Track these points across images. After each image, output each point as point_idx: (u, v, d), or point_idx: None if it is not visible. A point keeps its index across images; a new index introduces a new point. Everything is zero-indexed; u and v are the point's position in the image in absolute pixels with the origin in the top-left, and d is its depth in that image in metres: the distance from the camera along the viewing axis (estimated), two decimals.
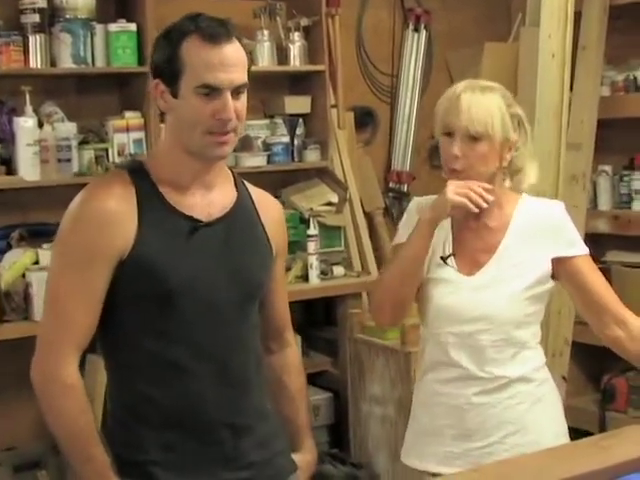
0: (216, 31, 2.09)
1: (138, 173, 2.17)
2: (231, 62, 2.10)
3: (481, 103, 2.47)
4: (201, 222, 2.17)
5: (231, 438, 2.19)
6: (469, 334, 2.53)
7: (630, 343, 2.54)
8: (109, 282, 2.10)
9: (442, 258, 2.57)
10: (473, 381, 2.53)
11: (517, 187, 2.62)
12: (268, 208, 2.35)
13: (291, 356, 2.49)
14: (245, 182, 2.34)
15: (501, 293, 2.53)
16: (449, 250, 2.58)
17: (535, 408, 2.57)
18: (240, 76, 2.11)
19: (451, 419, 2.56)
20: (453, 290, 2.55)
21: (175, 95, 2.10)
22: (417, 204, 2.67)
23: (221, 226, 2.20)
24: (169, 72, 2.10)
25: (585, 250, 2.59)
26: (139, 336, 2.14)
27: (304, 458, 2.45)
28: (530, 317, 2.59)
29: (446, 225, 2.59)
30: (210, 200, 2.20)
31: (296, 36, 4.81)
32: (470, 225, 2.58)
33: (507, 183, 2.59)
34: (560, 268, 2.57)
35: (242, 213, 2.26)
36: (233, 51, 2.11)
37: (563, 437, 2.62)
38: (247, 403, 2.23)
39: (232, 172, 2.32)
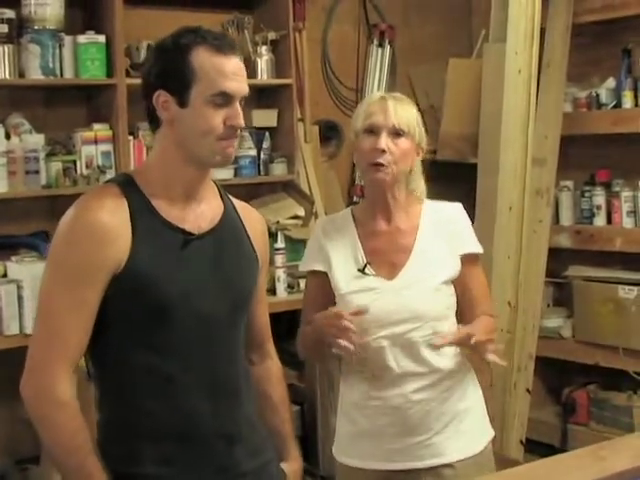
0: (224, 42, 2.12)
1: (128, 186, 2.16)
2: (240, 72, 2.15)
3: (405, 107, 2.71)
4: (193, 235, 2.17)
5: (226, 448, 2.19)
6: (401, 334, 2.63)
7: None
8: (102, 297, 2.09)
9: (359, 270, 2.69)
10: (410, 378, 2.64)
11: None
12: (252, 220, 2.36)
13: (272, 367, 2.50)
14: (228, 194, 2.35)
15: (422, 290, 2.65)
16: (363, 260, 2.70)
17: (465, 395, 2.72)
18: (246, 86, 2.16)
19: (391, 418, 2.66)
20: (378, 296, 2.65)
21: (183, 104, 2.11)
22: (322, 227, 2.83)
23: (211, 239, 2.21)
24: (177, 82, 2.10)
25: (481, 249, 2.79)
26: (133, 350, 2.12)
27: (291, 467, 2.46)
28: (449, 310, 2.72)
29: (351, 239, 2.74)
30: (200, 212, 2.21)
31: (263, 50, 4.82)
32: (381, 230, 2.73)
33: (422, 185, 2.79)
34: (462, 266, 2.73)
35: (230, 225, 2.27)
36: (239, 62, 2.16)
37: (488, 422, 2.82)
38: (239, 413, 2.23)
39: (217, 185, 2.32)
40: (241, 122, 2.14)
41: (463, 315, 2.74)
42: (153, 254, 2.10)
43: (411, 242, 2.70)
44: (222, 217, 2.25)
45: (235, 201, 2.35)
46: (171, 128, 2.14)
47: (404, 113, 2.68)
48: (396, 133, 2.65)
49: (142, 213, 2.12)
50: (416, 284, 2.66)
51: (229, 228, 2.26)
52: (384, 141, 2.64)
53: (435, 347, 2.60)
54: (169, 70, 2.11)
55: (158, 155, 2.21)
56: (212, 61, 2.10)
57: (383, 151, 2.64)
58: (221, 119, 2.11)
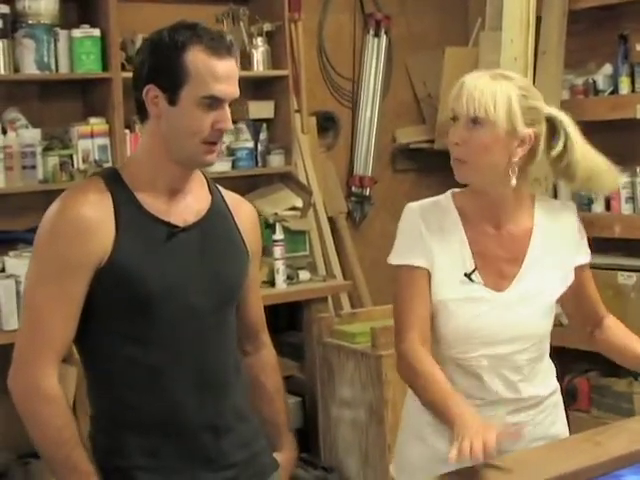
0: (220, 44, 2.09)
1: (113, 180, 2.15)
2: (233, 75, 2.12)
3: (486, 87, 2.25)
4: (178, 227, 2.16)
5: (213, 440, 2.19)
6: (505, 356, 2.32)
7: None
8: (87, 290, 2.08)
9: (466, 275, 2.32)
10: (504, 402, 2.35)
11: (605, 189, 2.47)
12: (242, 211, 2.34)
13: (267, 357, 2.49)
14: (218, 186, 2.33)
15: (537, 308, 2.35)
16: (470, 264, 2.33)
17: (557, 417, 2.47)
18: (237, 89, 2.14)
19: None
20: (486, 310, 2.31)
21: (173, 102, 2.09)
22: (422, 216, 2.37)
23: (197, 231, 2.19)
24: (169, 79, 2.08)
25: (590, 256, 2.48)
26: (118, 342, 2.12)
27: (285, 456, 2.45)
28: (551, 325, 2.43)
29: (458, 236, 2.35)
30: (185, 205, 2.19)
31: (259, 41, 4.83)
32: (489, 233, 2.36)
33: (513, 181, 2.29)
34: (576, 274, 2.43)
35: (217, 217, 2.26)
36: (233, 65, 2.13)
37: None
38: (227, 405, 2.22)
39: (205, 177, 2.31)
40: (229, 126, 2.12)
41: (584, 320, 2.53)
42: (137, 248, 2.10)
43: (523, 250, 2.35)
44: (209, 209, 2.23)
45: (225, 192, 2.33)
46: (158, 123, 2.13)
47: (484, 97, 2.22)
48: (474, 121, 2.24)
49: (126, 207, 2.11)
50: (529, 300, 2.33)
51: (216, 220, 2.25)
52: (458, 132, 2.26)
53: None
54: (162, 66, 2.09)
55: (144, 149, 2.19)
56: (206, 63, 2.07)
57: (456, 144, 2.27)
58: (209, 122, 2.09)
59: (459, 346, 2.33)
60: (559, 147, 2.35)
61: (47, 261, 2.08)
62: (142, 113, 2.16)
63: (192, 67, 2.07)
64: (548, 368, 2.45)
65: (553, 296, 2.38)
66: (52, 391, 2.06)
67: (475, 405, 2.25)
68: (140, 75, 2.14)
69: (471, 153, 2.26)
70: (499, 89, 2.24)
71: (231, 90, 2.11)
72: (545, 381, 2.42)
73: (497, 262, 2.34)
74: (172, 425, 2.14)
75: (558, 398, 2.49)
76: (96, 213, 2.07)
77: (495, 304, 2.32)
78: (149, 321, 2.11)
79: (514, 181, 2.28)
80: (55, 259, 2.06)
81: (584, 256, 2.44)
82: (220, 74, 2.08)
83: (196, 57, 2.06)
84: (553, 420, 2.44)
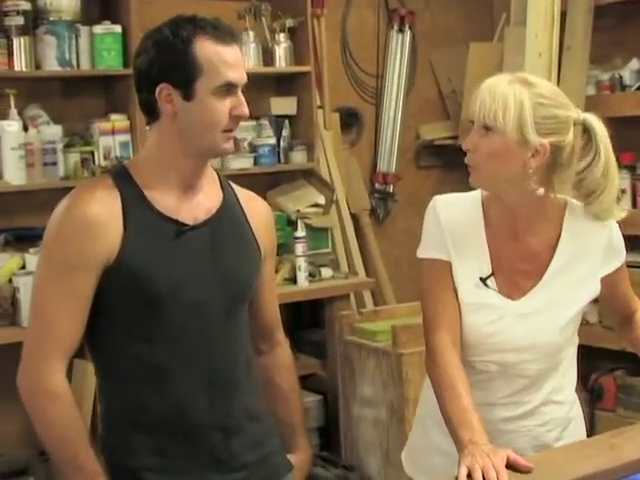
0: (224, 32, 2.10)
1: (122, 178, 2.13)
2: (241, 60, 2.13)
3: (498, 94, 2.14)
4: (187, 226, 2.14)
5: (222, 440, 2.17)
6: (514, 364, 2.28)
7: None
8: (95, 288, 2.07)
9: (481, 279, 2.27)
10: (502, 407, 2.31)
11: (596, 213, 2.28)
12: (255, 209, 2.32)
13: (282, 356, 2.47)
14: (231, 183, 2.32)
15: (553, 320, 2.28)
16: (487, 269, 2.28)
17: (565, 433, 2.37)
18: (245, 74, 2.14)
19: None
20: (498, 317, 2.26)
21: (188, 97, 2.07)
22: (446, 212, 2.32)
23: (207, 229, 2.18)
24: (182, 75, 2.07)
25: (624, 256, 2.37)
26: (126, 341, 2.11)
27: (300, 457, 2.43)
28: (575, 334, 2.37)
29: (478, 238, 2.29)
30: (196, 203, 2.18)
31: (281, 37, 4.80)
32: (508, 241, 2.28)
33: (540, 191, 2.21)
34: (604, 281, 2.35)
35: (229, 215, 2.24)
36: (239, 49, 2.13)
37: None
38: (237, 405, 2.20)
39: (218, 174, 2.30)
40: (246, 111, 2.12)
41: (615, 313, 2.48)
42: (145, 246, 2.09)
43: (544, 263, 2.27)
44: (220, 207, 2.22)
45: (238, 190, 2.32)
46: (172, 121, 2.10)
47: (495, 103, 2.13)
48: (486, 128, 2.15)
49: (135, 205, 2.10)
50: (544, 312, 2.26)
51: (228, 218, 2.23)
52: (469, 138, 2.19)
53: None
54: (172, 63, 2.07)
55: (155, 147, 2.16)
56: (216, 52, 2.07)
57: (467, 150, 2.20)
58: (227, 110, 2.08)
59: (470, 350, 2.29)
60: (588, 159, 2.21)
61: (54, 259, 2.07)
62: (151, 114, 2.14)
63: (203, 59, 2.06)
64: (563, 380, 2.37)
65: (573, 309, 2.30)
66: (57, 389, 2.05)
67: (477, 404, 2.17)
68: (148, 75, 2.11)
69: (480, 161, 2.19)
70: (511, 96, 2.14)
71: (243, 75, 2.12)
72: (555, 393, 2.34)
73: (514, 273, 2.28)
74: (179, 425, 2.13)
75: (570, 414, 2.40)
76: (103, 211, 2.06)
77: (508, 312, 2.27)
78: (157, 320, 2.10)
79: (539, 191, 2.20)
80: (62, 257, 2.05)
81: (613, 263, 2.33)
82: (230, 60, 2.08)
83: (205, 48, 2.06)
84: (558, 437, 2.35)
